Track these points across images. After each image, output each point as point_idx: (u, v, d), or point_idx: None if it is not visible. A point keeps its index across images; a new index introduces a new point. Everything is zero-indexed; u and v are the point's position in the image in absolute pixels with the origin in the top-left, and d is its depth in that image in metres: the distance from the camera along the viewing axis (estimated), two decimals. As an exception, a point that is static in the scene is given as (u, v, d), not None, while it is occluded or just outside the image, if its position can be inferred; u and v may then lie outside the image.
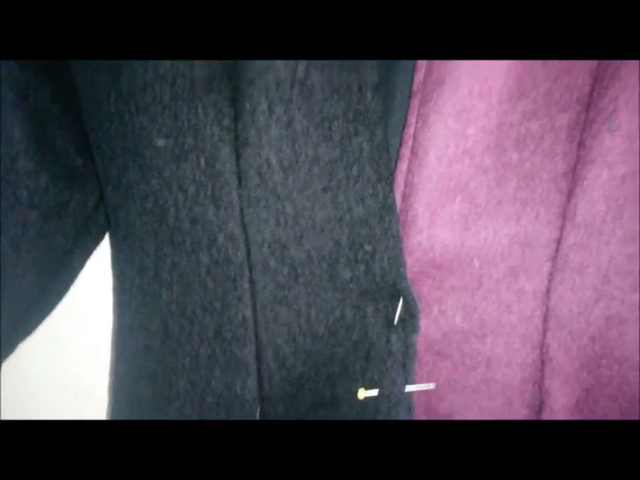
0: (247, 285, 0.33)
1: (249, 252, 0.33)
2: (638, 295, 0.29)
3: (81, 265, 0.44)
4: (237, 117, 0.32)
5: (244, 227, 0.33)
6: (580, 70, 0.29)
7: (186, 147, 0.32)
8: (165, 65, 0.32)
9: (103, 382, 0.51)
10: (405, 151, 0.31)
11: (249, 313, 0.34)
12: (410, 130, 0.31)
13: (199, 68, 0.32)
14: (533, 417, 0.31)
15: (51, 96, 0.39)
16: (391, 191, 0.31)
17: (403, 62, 0.32)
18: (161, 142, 0.32)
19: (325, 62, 0.31)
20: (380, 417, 0.32)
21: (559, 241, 0.29)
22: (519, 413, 0.31)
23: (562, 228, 0.29)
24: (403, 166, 0.31)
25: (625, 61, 0.27)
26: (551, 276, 0.29)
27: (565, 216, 0.29)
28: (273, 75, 0.30)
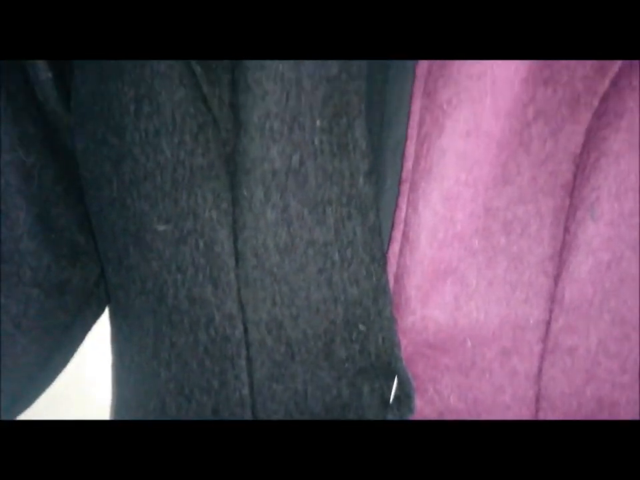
0: (244, 364, 0.34)
1: (246, 331, 0.34)
2: (628, 377, 0.29)
3: (81, 339, 0.44)
4: (234, 202, 0.33)
5: (241, 306, 0.33)
6: (563, 157, 0.30)
7: (185, 230, 0.33)
8: (166, 155, 0.33)
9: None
10: (397, 234, 0.32)
11: (246, 392, 0.34)
12: (401, 214, 0.32)
13: (199, 157, 0.33)
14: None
15: (55, 176, 0.40)
16: (384, 272, 0.32)
17: (392, 149, 0.33)
18: (161, 227, 0.33)
19: (318, 151, 0.32)
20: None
21: (548, 323, 0.30)
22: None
23: (551, 310, 0.30)
24: (395, 247, 0.32)
25: (604, 150, 0.29)
26: (542, 357, 0.30)
27: (553, 299, 0.30)
28: (268, 165, 0.31)
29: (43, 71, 0.37)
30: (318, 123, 0.32)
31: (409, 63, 0.33)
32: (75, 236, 0.42)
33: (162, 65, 0.33)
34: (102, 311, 0.45)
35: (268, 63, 0.31)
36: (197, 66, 0.33)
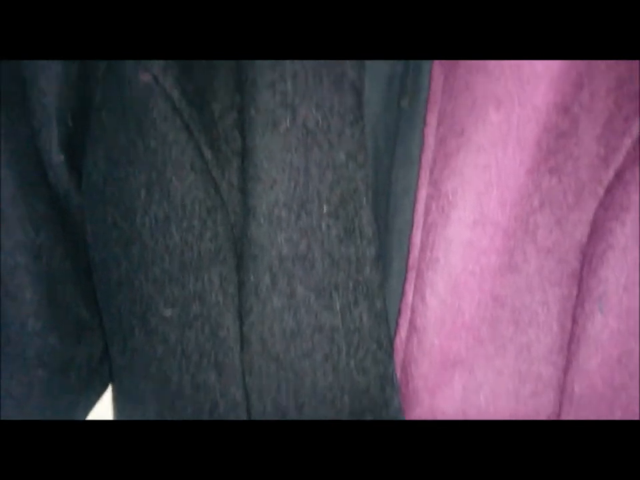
0: (248, 452, 0.33)
1: (250, 419, 0.33)
2: None
3: (83, 419, 0.44)
4: (241, 286, 0.33)
5: (246, 393, 0.33)
6: (569, 246, 0.30)
7: (191, 314, 0.33)
8: (175, 240, 0.33)
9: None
10: (403, 321, 0.32)
11: (249, 481, 0.33)
12: (407, 300, 0.32)
13: (207, 241, 0.33)
14: None
15: (63, 254, 0.40)
16: (391, 361, 0.31)
17: (398, 234, 0.34)
18: (167, 312, 0.33)
19: (325, 237, 0.32)
20: None
21: (558, 416, 0.29)
22: None
23: (561, 404, 0.29)
24: (401, 334, 0.32)
25: (611, 243, 0.29)
26: (553, 453, 0.29)
27: (563, 392, 0.29)
28: (276, 252, 0.32)
29: (55, 154, 0.37)
30: (325, 209, 0.33)
31: (415, 150, 0.34)
32: (80, 312, 0.42)
33: (173, 151, 0.34)
34: (105, 389, 0.44)
35: (277, 153, 0.32)
36: (207, 150, 0.34)
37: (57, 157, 0.38)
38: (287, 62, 0.32)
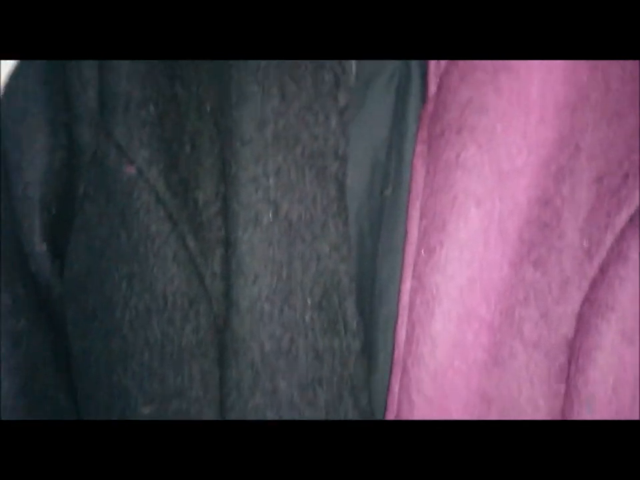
0: None
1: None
2: None
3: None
4: (222, 381, 0.32)
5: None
6: (555, 340, 0.30)
7: (170, 411, 0.32)
8: (155, 333, 0.33)
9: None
10: (390, 415, 0.31)
11: None
12: (393, 397, 0.31)
13: (189, 334, 0.33)
14: None
15: (43, 341, 0.39)
16: (377, 460, 0.30)
17: (384, 325, 0.33)
18: (146, 409, 0.32)
19: (309, 329, 0.32)
20: None
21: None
22: None
23: None
24: (388, 431, 0.31)
25: (599, 343, 0.28)
26: None
27: None
28: (258, 348, 0.31)
29: (37, 244, 0.37)
30: (309, 301, 0.32)
31: (398, 240, 0.34)
32: (59, 398, 0.40)
33: (156, 243, 0.34)
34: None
35: (259, 247, 0.32)
36: (191, 240, 0.34)
37: (39, 247, 0.37)
38: (270, 157, 0.32)
